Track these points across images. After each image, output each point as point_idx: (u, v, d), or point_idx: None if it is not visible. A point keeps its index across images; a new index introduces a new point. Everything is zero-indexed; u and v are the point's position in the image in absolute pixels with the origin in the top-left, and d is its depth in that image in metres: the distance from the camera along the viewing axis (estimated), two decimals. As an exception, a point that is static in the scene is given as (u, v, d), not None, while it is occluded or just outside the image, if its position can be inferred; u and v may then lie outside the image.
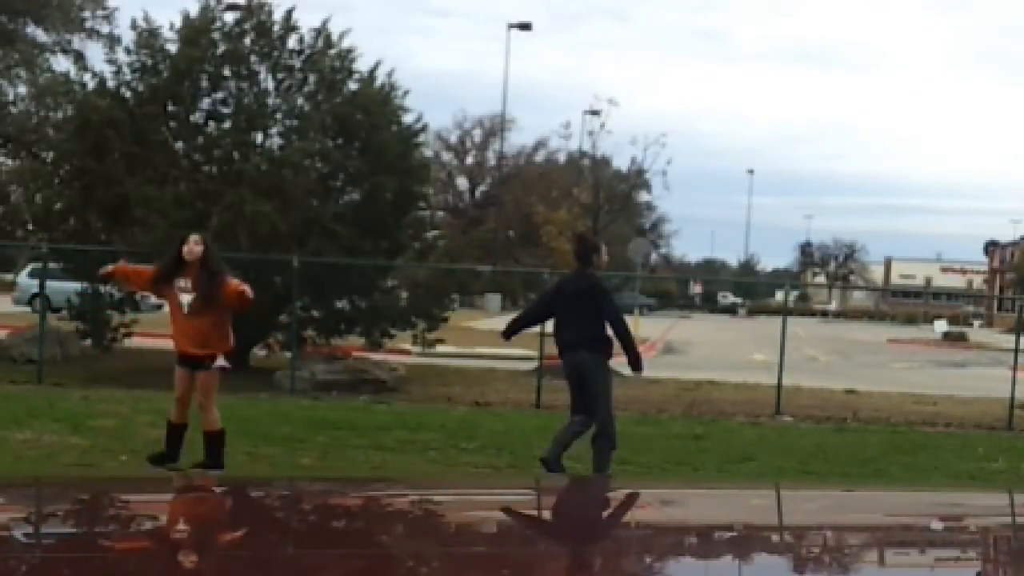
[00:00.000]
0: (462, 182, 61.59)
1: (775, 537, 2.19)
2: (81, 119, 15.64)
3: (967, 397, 17.39)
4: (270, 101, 16.20)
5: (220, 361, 7.97)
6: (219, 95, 16.17)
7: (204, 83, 16.00)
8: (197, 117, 16.25)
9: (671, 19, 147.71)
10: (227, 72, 15.99)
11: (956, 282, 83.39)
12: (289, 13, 16.09)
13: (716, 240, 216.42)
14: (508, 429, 11.55)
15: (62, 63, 26.33)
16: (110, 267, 8.98)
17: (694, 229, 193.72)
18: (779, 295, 62.75)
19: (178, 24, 15.83)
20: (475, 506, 2.40)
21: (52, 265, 17.10)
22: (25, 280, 29.75)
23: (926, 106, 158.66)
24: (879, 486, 6.56)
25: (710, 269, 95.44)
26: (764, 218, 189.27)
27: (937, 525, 2.38)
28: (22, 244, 21.64)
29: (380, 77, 16.47)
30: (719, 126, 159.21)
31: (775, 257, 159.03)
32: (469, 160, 61.20)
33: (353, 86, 16.40)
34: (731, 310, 67.99)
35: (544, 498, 2.60)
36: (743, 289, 77.69)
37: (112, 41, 17.50)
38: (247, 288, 7.83)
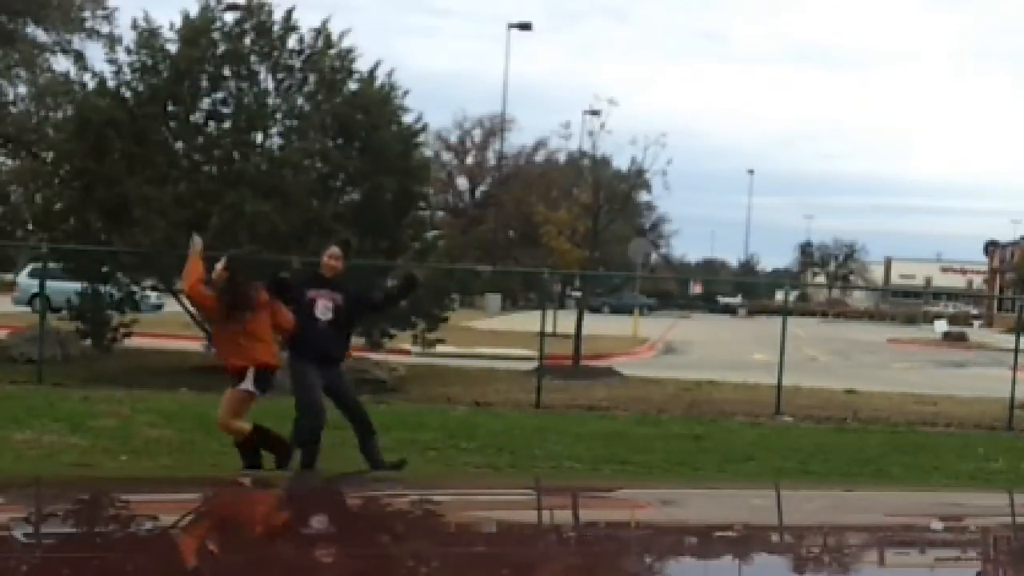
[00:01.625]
0: (462, 182, 61.52)
1: (775, 537, 2.19)
2: (81, 119, 15.65)
3: (967, 397, 17.38)
4: (270, 101, 16.22)
5: None
6: (219, 95, 16.20)
7: (204, 83, 16.01)
8: (197, 117, 16.27)
9: (671, 19, 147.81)
10: (227, 72, 16.00)
11: (956, 282, 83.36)
12: (289, 13, 16.12)
13: (716, 240, 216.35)
14: (508, 429, 11.55)
15: (62, 63, 26.36)
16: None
17: (694, 229, 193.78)
18: (779, 295, 62.69)
19: (178, 24, 15.85)
20: (475, 506, 2.40)
21: (52, 265, 17.10)
22: (25, 280, 29.71)
23: (926, 106, 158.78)
24: (879, 486, 6.56)
25: (710, 269, 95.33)
26: (764, 218, 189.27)
27: (937, 525, 2.38)
28: (22, 244, 21.62)
29: (380, 77, 16.51)
30: (719, 126, 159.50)
31: (775, 257, 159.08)
32: (469, 160, 61.13)
33: (353, 86, 16.42)
34: (731, 310, 67.88)
35: (544, 498, 2.60)
36: (743, 289, 77.59)
37: (112, 41, 17.43)
38: None
